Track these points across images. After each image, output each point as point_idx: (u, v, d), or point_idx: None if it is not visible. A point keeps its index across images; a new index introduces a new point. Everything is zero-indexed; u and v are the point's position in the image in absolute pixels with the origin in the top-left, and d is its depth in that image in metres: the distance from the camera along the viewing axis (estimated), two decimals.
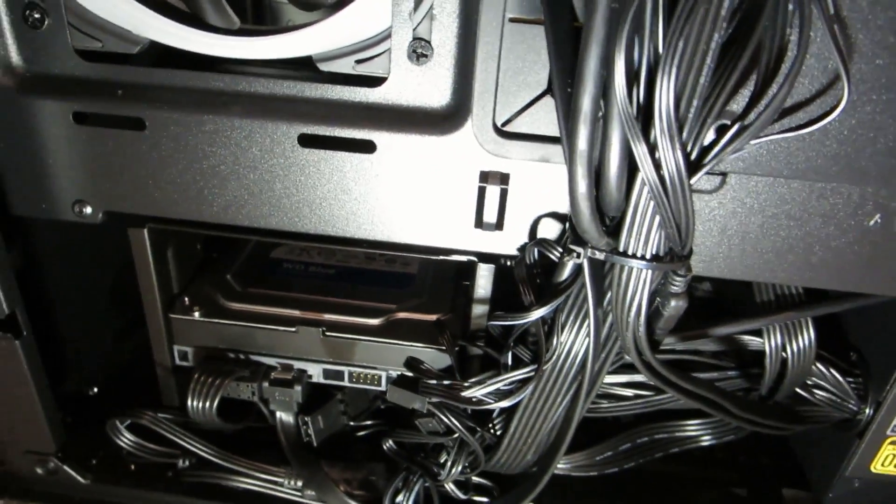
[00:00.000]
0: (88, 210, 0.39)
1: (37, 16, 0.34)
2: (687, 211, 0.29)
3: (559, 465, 0.47)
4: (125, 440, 0.44)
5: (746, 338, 0.44)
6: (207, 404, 0.42)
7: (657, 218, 0.29)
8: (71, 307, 0.48)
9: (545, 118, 0.33)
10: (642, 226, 0.29)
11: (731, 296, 0.52)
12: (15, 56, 0.35)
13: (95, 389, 0.52)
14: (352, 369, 0.44)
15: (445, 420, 0.38)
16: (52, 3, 0.34)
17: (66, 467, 0.45)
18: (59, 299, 0.46)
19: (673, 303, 0.32)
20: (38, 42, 0.35)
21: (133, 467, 0.47)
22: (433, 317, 0.44)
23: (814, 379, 0.44)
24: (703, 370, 0.45)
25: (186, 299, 0.45)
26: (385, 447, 0.44)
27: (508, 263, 0.41)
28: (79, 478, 0.46)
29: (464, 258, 0.39)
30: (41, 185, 0.38)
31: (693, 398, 0.39)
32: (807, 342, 0.42)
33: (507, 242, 0.36)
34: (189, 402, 0.42)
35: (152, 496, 0.46)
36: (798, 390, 0.44)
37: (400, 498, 0.42)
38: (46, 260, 0.45)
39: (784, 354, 0.42)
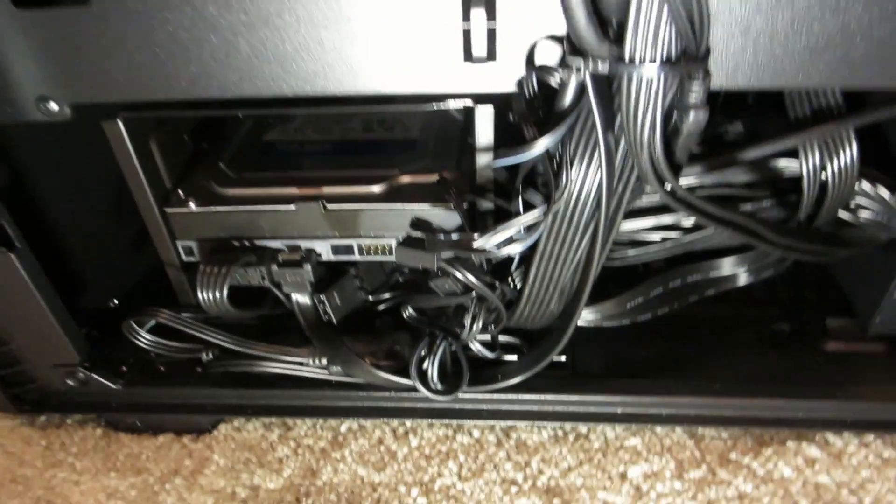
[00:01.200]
0: (54, 106, 0.36)
1: None
2: None
3: (589, 317, 0.46)
4: (144, 340, 0.44)
5: (781, 162, 0.40)
6: (217, 294, 0.40)
7: (665, 9, 0.25)
8: (75, 219, 0.47)
9: None
10: (648, 23, 0.25)
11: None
12: None
13: (116, 302, 0.52)
14: (360, 241, 0.42)
15: (460, 276, 0.36)
16: None
17: (95, 376, 0.45)
18: (61, 212, 0.45)
19: (692, 115, 0.28)
20: None
21: (162, 368, 0.47)
22: (437, 176, 0.41)
23: (857, 198, 0.40)
24: (735, 203, 0.42)
25: (181, 192, 0.43)
26: (405, 315, 0.42)
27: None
28: (110, 384, 0.46)
29: (459, 104, 0.35)
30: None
31: (726, 225, 0.36)
32: (849, 158, 0.38)
33: (503, 75, 0.32)
34: (199, 295, 0.41)
35: (185, 391, 0.46)
36: (840, 213, 0.41)
37: (426, 364, 0.41)
38: (38, 173, 0.43)
39: (824, 174, 0.38)
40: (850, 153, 0.38)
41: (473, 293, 0.38)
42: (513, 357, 0.43)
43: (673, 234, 0.45)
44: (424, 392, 0.40)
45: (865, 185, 0.39)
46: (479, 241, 0.34)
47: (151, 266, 0.51)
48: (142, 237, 0.52)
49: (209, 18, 0.32)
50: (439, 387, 0.40)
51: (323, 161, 0.45)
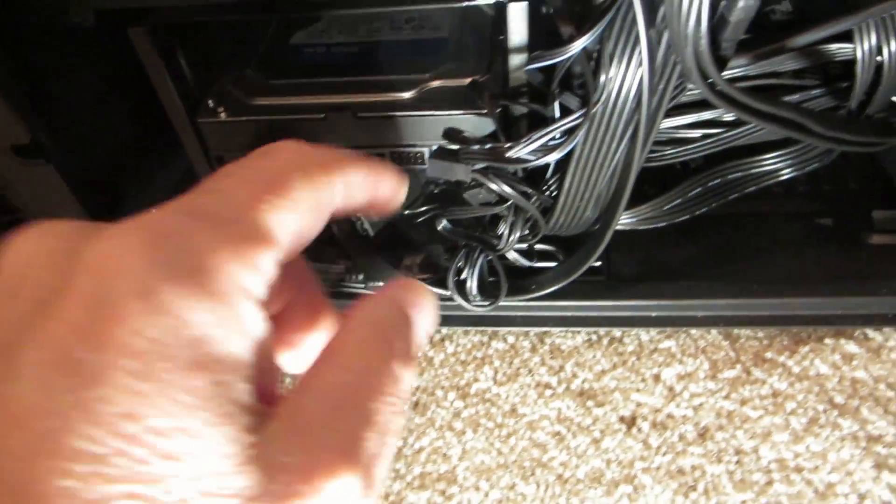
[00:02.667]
0: (74, 12, 0.35)
1: None
2: None
3: (625, 220, 0.45)
4: None
5: (833, 47, 0.38)
6: None
7: None
8: (109, 129, 0.47)
9: None
10: None
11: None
12: None
13: (153, 211, 0.52)
14: (392, 150, 0.41)
15: (495, 187, 0.35)
16: None
17: None
18: (95, 122, 0.45)
19: (741, 2, 0.26)
20: None
21: None
22: (469, 79, 0.40)
23: None
24: (781, 93, 0.40)
25: (210, 101, 0.42)
26: (440, 228, 0.42)
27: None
28: None
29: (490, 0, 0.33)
30: None
31: (772, 121, 0.34)
32: None
33: None
34: None
35: None
36: (894, 99, 0.39)
37: (464, 275, 0.41)
38: (72, 83, 0.43)
39: (879, 57, 0.36)
40: None
41: (509, 202, 0.38)
42: (549, 264, 0.43)
43: (714, 130, 0.43)
44: (463, 304, 0.40)
45: None
46: (514, 151, 0.33)
47: (187, 172, 0.52)
48: (171, 148, 0.53)
49: None
50: (478, 299, 0.40)
51: (352, 65, 0.43)
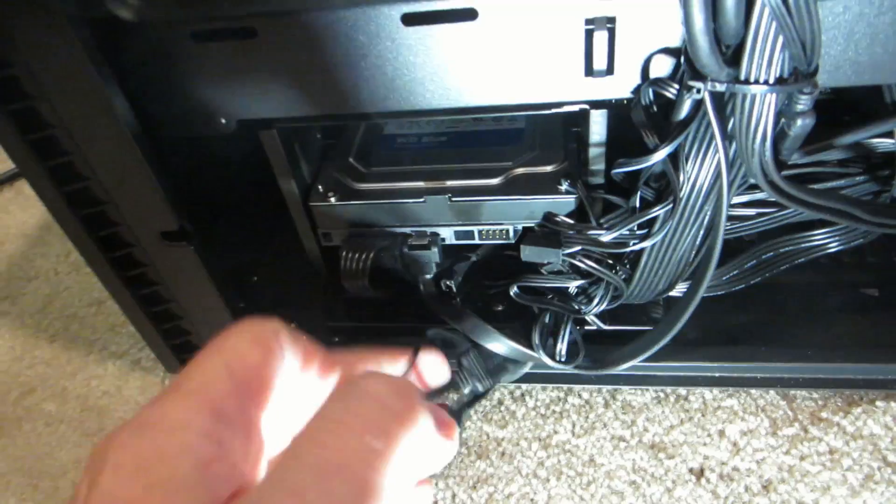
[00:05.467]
0: (223, 122, 0.42)
1: None
2: (813, 26, 0.28)
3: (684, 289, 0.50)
4: None
5: (875, 141, 0.43)
6: (361, 279, 0.46)
7: (780, 39, 0.28)
8: (229, 211, 0.53)
9: None
10: (764, 50, 0.29)
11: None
12: None
13: (255, 278, 0.59)
14: (480, 227, 0.47)
15: (585, 268, 0.40)
16: None
17: None
18: (217, 206, 0.52)
19: (800, 122, 0.32)
20: None
21: None
22: (550, 167, 0.46)
23: None
24: (828, 180, 0.45)
25: (320, 187, 0.49)
26: (512, 294, 0.46)
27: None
28: None
29: (575, 108, 0.39)
30: (179, 105, 0.41)
31: (822, 211, 0.39)
32: None
33: (620, 86, 0.37)
34: (344, 281, 0.47)
35: None
36: None
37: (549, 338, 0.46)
38: (203, 174, 0.50)
39: None
40: None
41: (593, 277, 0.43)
42: (621, 327, 0.48)
43: (767, 210, 0.48)
44: (551, 364, 0.44)
45: None
46: (608, 237, 0.39)
47: (280, 246, 0.59)
48: (273, 223, 0.59)
49: (359, 47, 0.37)
50: (564, 359, 0.45)
51: (441, 153, 0.50)
